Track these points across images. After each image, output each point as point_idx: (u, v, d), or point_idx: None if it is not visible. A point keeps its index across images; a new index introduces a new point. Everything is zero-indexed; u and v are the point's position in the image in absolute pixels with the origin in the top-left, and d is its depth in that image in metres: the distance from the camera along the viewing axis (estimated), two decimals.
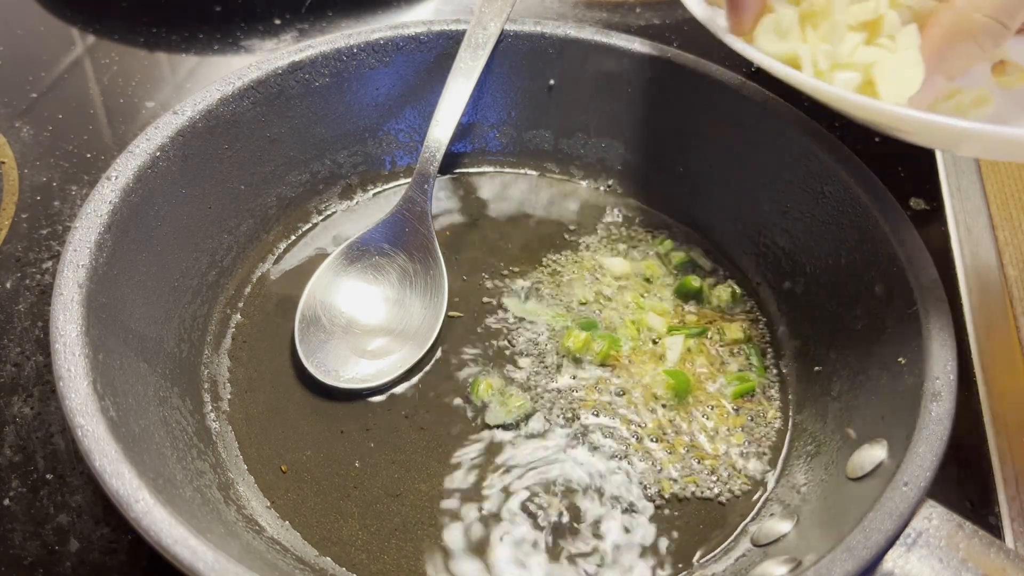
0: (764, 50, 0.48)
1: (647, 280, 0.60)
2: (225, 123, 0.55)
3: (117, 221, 0.47)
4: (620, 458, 0.51)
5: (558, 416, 0.53)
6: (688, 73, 0.60)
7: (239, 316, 0.56)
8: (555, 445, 0.51)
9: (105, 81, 0.75)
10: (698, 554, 0.47)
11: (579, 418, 0.53)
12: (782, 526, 0.46)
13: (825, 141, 0.55)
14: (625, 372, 0.55)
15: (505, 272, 0.61)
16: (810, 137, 0.55)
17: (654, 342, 0.57)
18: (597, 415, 0.53)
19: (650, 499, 0.49)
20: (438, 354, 0.56)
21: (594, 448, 0.51)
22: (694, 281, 0.60)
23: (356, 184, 0.65)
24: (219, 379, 0.53)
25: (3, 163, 0.66)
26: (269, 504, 0.48)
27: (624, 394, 0.54)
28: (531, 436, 0.52)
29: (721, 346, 0.57)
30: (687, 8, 0.53)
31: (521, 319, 0.58)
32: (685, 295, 0.60)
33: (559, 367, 0.55)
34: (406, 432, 0.52)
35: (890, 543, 0.38)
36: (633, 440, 0.52)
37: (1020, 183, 0.72)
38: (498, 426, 0.52)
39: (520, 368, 0.55)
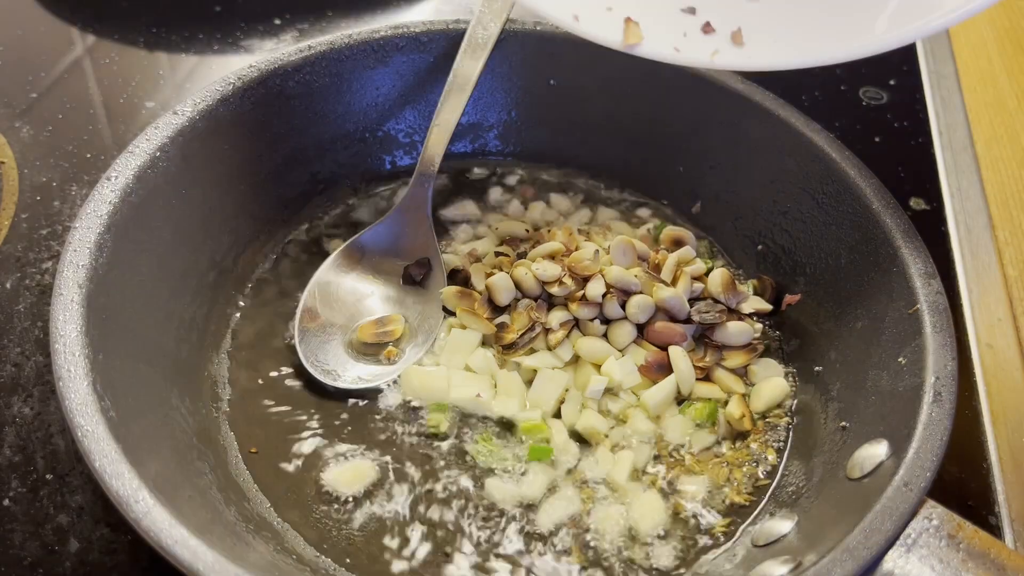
0: None
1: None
2: (225, 123, 0.55)
3: (117, 221, 0.47)
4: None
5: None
6: (688, 73, 0.60)
7: (239, 316, 0.56)
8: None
9: (105, 81, 0.75)
10: (699, 554, 0.47)
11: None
12: (782, 526, 0.46)
13: (825, 141, 0.55)
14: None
15: None
16: (810, 137, 0.55)
17: None
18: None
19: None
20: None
21: (588, 450, 0.51)
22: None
23: (356, 184, 0.65)
24: (219, 379, 0.53)
25: (3, 163, 0.66)
26: (269, 504, 0.48)
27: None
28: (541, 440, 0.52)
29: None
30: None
31: None
32: None
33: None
34: (406, 433, 0.51)
35: (890, 543, 0.38)
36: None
37: (1020, 183, 0.72)
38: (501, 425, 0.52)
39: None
